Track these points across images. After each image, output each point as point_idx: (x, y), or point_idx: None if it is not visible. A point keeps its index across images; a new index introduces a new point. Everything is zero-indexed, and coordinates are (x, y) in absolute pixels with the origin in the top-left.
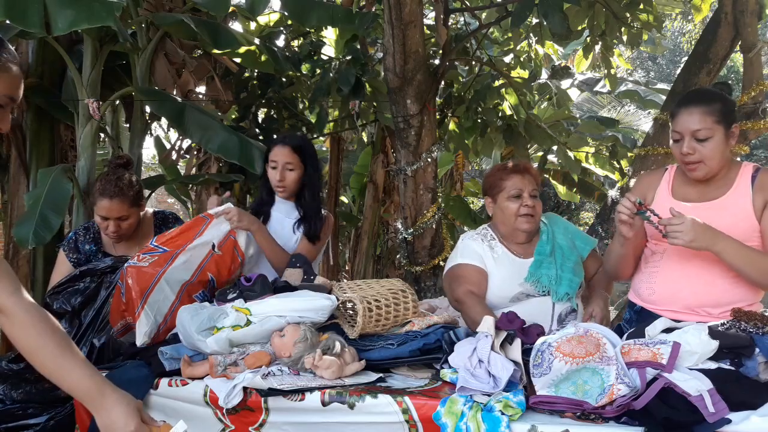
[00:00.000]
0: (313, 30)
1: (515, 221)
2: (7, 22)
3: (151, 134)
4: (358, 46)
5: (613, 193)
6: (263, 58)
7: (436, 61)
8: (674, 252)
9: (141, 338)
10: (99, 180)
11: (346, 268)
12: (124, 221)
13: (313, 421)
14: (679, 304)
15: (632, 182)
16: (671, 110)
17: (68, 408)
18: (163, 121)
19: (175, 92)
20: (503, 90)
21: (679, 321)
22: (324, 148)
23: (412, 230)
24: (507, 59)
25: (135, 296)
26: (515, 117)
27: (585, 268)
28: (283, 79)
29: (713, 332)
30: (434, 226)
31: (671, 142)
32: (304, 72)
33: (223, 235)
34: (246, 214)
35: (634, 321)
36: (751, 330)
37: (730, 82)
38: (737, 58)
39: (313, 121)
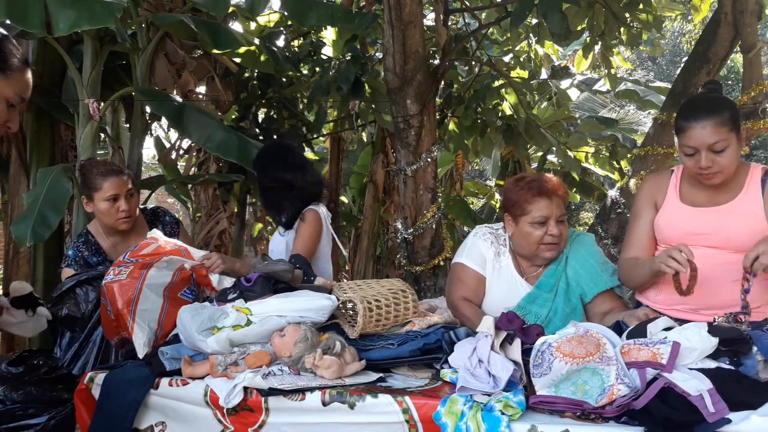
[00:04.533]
0: (312, 30)
1: (537, 249)
2: (8, 22)
3: (151, 134)
4: (358, 46)
5: (612, 193)
6: (263, 58)
7: (436, 61)
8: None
9: (141, 350)
10: (88, 172)
11: (346, 268)
12: (131, 198)
13: (313, 421)
14: (684, 305)
15: (632, 182)
16: (677, 123)
17: (68, 408)
18: (164, 120)
19: (175, 92)
20: (503, 90)
21: (684, 321)
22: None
23: (412, 230)
24: (507, 59)
25: (123, 310)
26: (515, 117)
27: (592, 308)
28: (283, 80)
29: (712, 329)
30: (434, 226)
31: (683, 155)
32: (304, 72)
33: (197, 263)
34: (227, 258)
35: None
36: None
37: (730, 82)
38: (737, 58)
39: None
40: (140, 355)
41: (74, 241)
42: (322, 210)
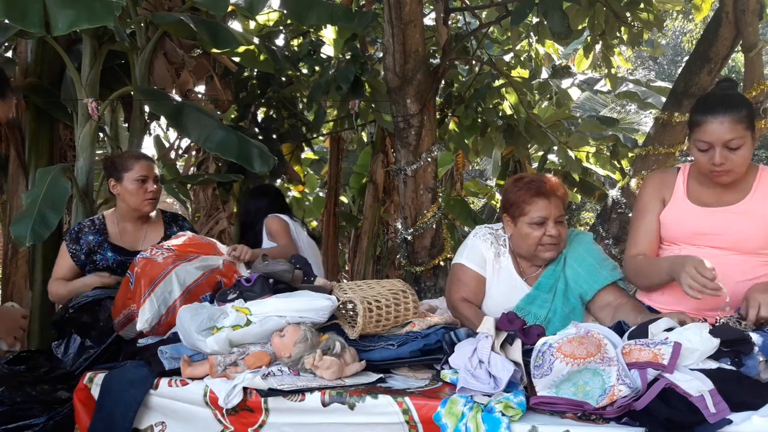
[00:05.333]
0: (312, 29)
1: (536, 249)
2: (7, 21)
3: (150, 134)
4: (358, 45)
5: (613, 192)
6: (262, 57)
7: (436, 61)
8: (687, 255)
9: (142, 324)
10: (118, 157)
11: (346, 268)
12: (157, 183)
13: (313, 421)
14: (687, 306)
15: (633, 182)
16: (693, 117)
17: (68, 408)
18: (162, 120)
19: (174, 92)
20: (503, 89)
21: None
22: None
23: (412, 230)
24: (507, 58)
25: (144, 284)
26: (515, 116)
27: (596, 305)
28: (283, 79)
29: (713, 330)
30: (434, 226)
31: (695, 151)
32: (304, 71)
33: (227, 257)
34: (251, 250)
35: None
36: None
37: None
38: (738, 57)
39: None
40: (138, 327)
41: (84, 219)
42: (284, 216)
